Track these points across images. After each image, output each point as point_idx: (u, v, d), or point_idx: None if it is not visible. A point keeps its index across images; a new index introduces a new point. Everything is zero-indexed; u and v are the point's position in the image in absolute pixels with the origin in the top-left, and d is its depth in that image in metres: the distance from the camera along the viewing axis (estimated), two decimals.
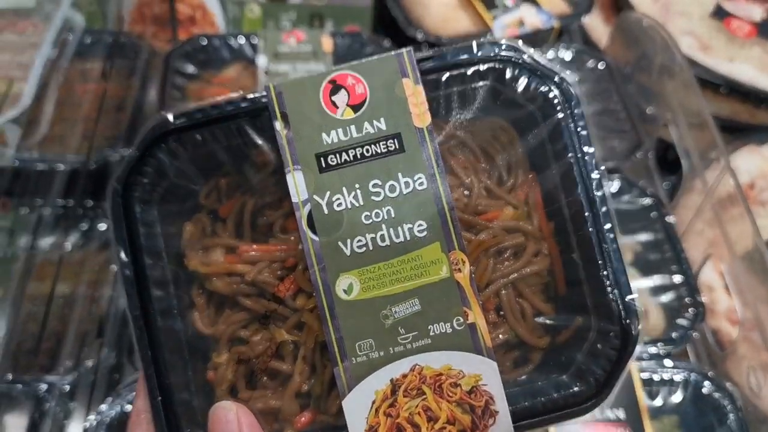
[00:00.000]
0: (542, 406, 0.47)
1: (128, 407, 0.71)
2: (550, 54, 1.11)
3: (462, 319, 0.46)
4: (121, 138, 0.94)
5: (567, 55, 1.11)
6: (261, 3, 1.14)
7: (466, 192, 0.51)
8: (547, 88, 0.49)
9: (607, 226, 0.47)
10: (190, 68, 1.03)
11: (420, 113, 0.47)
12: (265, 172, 0.51)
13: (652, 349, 0.77)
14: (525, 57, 0.49)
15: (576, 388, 0.48)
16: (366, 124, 0.47)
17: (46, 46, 0.93)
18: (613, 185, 0.95)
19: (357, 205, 0.46)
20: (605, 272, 0.47)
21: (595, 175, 0.48)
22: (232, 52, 1.06)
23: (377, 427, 0.45)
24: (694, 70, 1.00)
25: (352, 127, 0.47)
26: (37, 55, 0.91)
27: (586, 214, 0.48)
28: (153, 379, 0.47)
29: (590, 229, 0.48)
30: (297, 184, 0.47)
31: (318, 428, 0.48)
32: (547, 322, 0.51)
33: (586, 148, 0.48)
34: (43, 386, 0.75)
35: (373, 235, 0.46)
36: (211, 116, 0.48)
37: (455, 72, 0.49)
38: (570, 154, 0.48)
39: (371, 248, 0.46)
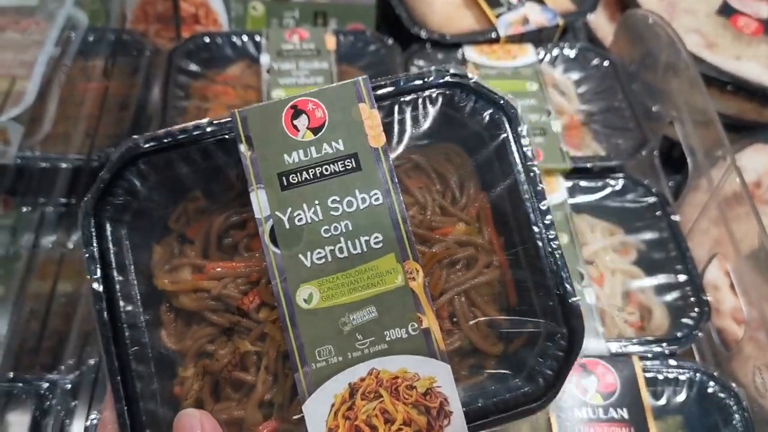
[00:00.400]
0: (494, 406, 0.49)
1: None
2: (555, 52, 1.10)
3: (416, 325, 0.48)
4: (124, 136, 0.93)
5: (571, 53, 1.10)
6: (264, 1, 1.14)
7: (421, 210, 0.55)
8: (491, 110, 0.54)
9: (552, 234, 0.51)
10: (194, 66, 1.03)
11: (375, 135, 0.51)
12: (231, 194, 0.55)
13: (657, 349, 0.77)
14: (471, 83, 0.53)
15: (526, 389, 0.50)
16: (325, 145, 0.51)
17: (49, 44, 0.92)
18: (618, 184, 0.94)
19: (317, 219, 0.50)
20: (550, 279, 0.51)
21: (539, 187, 0.52)
22: (236, 50, 1.06)
23: (336, 430, 0.47)
24: (700, 68, 0.99)
25: (312, 148, 0.50)
26: (40, 53, 0.91)
27: (532, 225, 0.52)
28: (119, 388, 0.49)
29: (536, 239, 0.52)
30: (260, 201, 0.50)
31: None
32: (501, 330, 0.54)
33: (529, 164, 0.52)
34: (45, 384, 0.75)
35: (332, 248, 0.49)
36: (179, 140, 0.51)
37: (408, 97, 0.53)
38: (515, 170, 0.53)
39: (330, 260, 0.49)
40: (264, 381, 0.51)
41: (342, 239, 0.49)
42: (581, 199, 0.93)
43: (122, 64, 1.02)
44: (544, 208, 0.52)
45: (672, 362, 0.75)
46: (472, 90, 0.54)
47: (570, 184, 0.92)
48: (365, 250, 0.49)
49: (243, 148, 0.50)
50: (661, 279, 0.86)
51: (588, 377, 0.71)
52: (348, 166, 0.50)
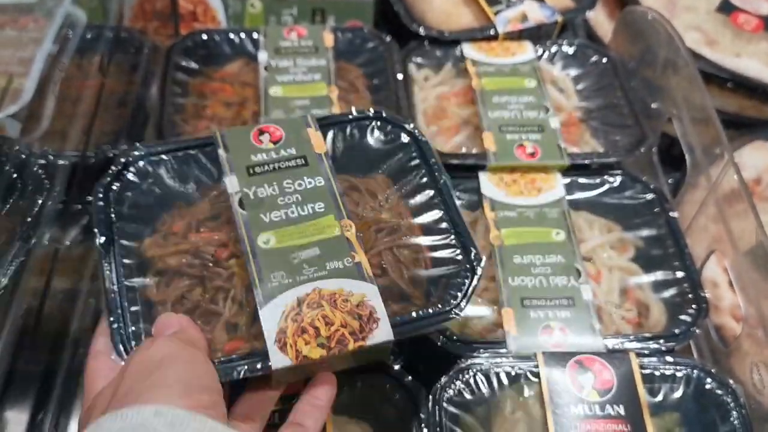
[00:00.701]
0: (415, 314, 0.63)
1: None
2: (553, 48, 1.10)
3: (351, 259, 0.63)
4: (122, 134, 0.94)
5: (570, 49, 1.10)
6: None
7: (355, 208, 0.71)
8: (399, 131, 0.77)
9: (452, 201, 0.71)
10: (192, 64, 1.03)
11: (319, 145, 0.72)
12: (209, 194, 0.72)
13: (654, 345, 0.76)
14: (383, 114, 0.77)
15: (444, 298, 0.65)
16: (282, 150, 0.71)
17: (47, 41, 0.92)
18: (617, 180, 0.94)
19: (274, 193, 0.67)
20: (454, 239, 0.69)
21: (440, 173, 0.73)
22: (234, 47, 1.05)
23: (286, 329, 0.59)
24: (699, 65, 0.99)
25: (272, 152, 0.70)
26: (38, 50, 0.91)
27: (436, 199, 0.72)
28: (117, 305, 0.62)
29: (441, 209, 0.71)
30: (232, 182, 0.68)
31: (242, 352, 0.61)
32: (422, 282, 0.69)
33: (432, 160, 0.74)
34: (43, 382, 0.75)
35: (286, 211, 0.66)
36: (172, 149, 0.73)
37: (343, 126, 0.77)
38: (420, 162, 0.75)
39: (284, 218, 0.65)
40: (230, 308, 0.64)
41: (293, 206, 0.66)
42: (579, 195, 0.93)
43: (120, 62, 1.02)
44: (443, 182, 0.72)
45: (669, 359, 0.74)
46: (384, 119, 0.77)
47: (568, 180, 0.92)
48: (311, 212, 0.66)
49: (221, 151, 0.70)
50: (659, 276, 0.86)
51: (584, 374, 0.71)
52: (299, 163, 0.70)
